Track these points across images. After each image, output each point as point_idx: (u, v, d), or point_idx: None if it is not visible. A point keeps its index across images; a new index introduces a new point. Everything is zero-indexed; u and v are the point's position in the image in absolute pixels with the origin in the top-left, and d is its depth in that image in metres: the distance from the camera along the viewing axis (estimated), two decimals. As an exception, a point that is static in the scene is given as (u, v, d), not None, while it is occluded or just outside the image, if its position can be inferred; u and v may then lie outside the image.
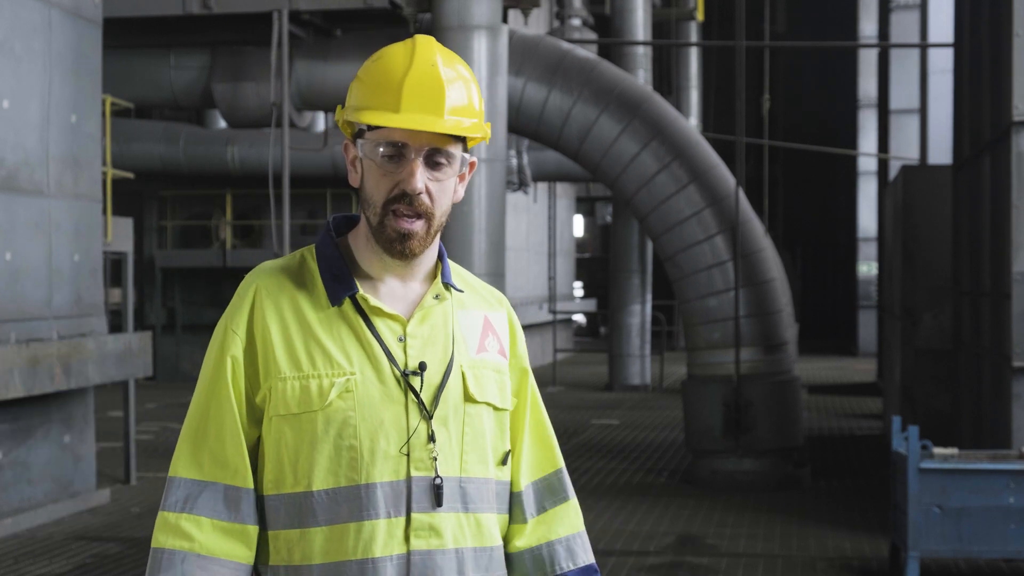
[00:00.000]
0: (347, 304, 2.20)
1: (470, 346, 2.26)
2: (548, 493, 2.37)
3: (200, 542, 2.16)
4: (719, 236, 11.13)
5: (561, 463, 2.40)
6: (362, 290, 2.21)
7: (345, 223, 2.31)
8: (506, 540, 2.34)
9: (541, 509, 2.36)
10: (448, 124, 2.14)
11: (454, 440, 2.20)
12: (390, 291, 2.23)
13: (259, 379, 2.20)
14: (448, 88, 2.16)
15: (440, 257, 2.28)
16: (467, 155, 2.23)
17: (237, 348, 2.21)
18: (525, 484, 2.34)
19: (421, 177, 2.15)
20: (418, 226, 2.17)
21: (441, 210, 2.19)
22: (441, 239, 2.27)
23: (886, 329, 16.91)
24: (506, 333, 2.35)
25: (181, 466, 2.20)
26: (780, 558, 8.36)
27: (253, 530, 2.20)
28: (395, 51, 2.19)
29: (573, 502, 2.40)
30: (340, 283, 2.20)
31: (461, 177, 2.25)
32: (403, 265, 2.22)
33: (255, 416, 2.22)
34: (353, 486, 2.15)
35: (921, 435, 7.65)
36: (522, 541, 2.33)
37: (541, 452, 2.38)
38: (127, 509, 9.86)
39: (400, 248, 2.17)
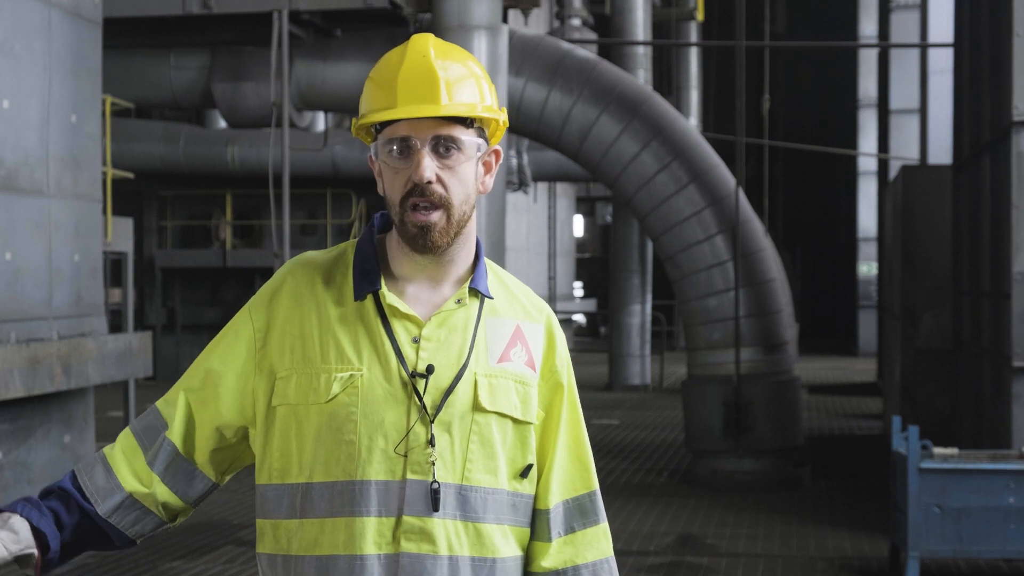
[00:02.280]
0: (369, 300, 2.20)
1: (492, 354, 2.22)
2: (578, 514, 2.30)
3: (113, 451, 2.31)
4: (719, 236, 11.13)
5: (595, 485, 2.33)
6: (389, 289, 2.20)
7: (390, 222, 2.29)
8: (529, 557, 2.29)
9: (569, 530, 2.29)
10: (443, 107, 2.13)
11: (458, 447, 2.17)
12: (416, 292, 2.22)
13: (268, 367, 2.22)
14: (442, 74, 2.14)
15: (476, 260, 2.25)
16: (483, 141, 2.20)
17: (248, 330, 2.25)
18: (555, 503, 2.28)
19: (429, 166, 2.13)
20: (435, 217, 2.14)
21: (459, 199, 2.16)
22: None
23: (886, 329, 16.90)
24: (540, 345, 2.28)
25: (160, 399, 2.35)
26: (780, 558, 8.36)
27: (145, 470, 2.28)
28: (391, 52, 2.21)
29: (604, 526, 2.33)
30: (366, 279, 2.20)
31: (487, 167, 2.23)
32: (433, 265, 2.20)
33: (240, 401, 2.25)
34: (348, 481, 2.15)
35: (921, 435, 7.64)
36: (547, 561, 2.27)
37: (575, 471, 2.31)
38: (127, 509, 9.85)
39: (423, 242, 2.15)
